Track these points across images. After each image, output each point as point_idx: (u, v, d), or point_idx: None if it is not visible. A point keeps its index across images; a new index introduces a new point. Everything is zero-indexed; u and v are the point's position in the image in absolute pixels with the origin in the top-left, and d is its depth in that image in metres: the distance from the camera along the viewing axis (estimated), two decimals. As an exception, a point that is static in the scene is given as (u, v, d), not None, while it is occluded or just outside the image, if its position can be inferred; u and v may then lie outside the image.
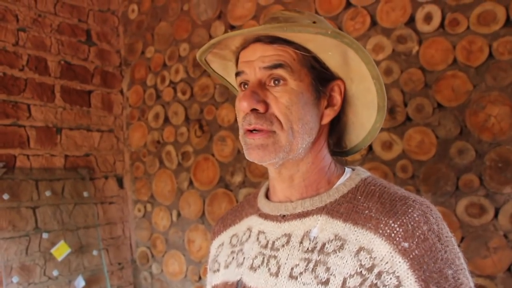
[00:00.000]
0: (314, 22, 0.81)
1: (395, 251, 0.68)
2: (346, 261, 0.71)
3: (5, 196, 2.30)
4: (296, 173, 0.83)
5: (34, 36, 2.62)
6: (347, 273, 0.71)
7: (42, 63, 2.64)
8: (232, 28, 2.49)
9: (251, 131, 0.79)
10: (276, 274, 0.80)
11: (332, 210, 0.79)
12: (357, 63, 0.79)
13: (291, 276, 0.77)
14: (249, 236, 0.91)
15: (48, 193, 2.48)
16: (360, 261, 0.70)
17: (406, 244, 0.67)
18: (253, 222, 0.92)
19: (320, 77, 0.81)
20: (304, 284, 0.74)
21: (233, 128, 2.44)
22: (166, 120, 2.80)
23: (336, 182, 0.83)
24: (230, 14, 2.50)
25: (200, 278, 2.56)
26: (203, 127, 2.59)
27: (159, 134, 2.84)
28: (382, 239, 0.69)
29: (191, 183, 2.65)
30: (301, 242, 0.79)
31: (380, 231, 0.70)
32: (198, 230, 2.58)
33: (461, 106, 1.73)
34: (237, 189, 2.41)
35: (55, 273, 2.44)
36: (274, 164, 0.81)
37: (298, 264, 0.77)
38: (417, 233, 0.68)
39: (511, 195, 1.61)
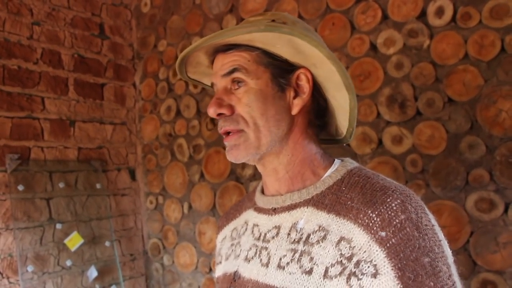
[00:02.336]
0: (273, 20, 0.83)
1: (373, 240, 0.69)
2: (328, 251, 0.74)
3: (20, 187, 2.34)
4: (279, 166, 0.86)
5: (48, 30, 2.65)
6: (329, 262, 0.73)
7: (56, 56, 2.67)
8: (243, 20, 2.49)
9: (227, 134, 0.85)
10: (267, 265, 0.83)
11: (317, 202, 0.81)
12: (309, 49, 0.80)
13: (279, 266, 0.80)
14: (246, 229, 0.95)
15: (61, 185, 2.52)
16: (341, 250, 0.72)
17: (383, 233, 0.69)
18: (249, 215, 0.97)
19: (280, 70, 0.84)
20: (290, 274, 0.78)
21: (244, 121, 2.45)
22: (178, 113, 2.83)
23: (323, 174, 0.85)
24: (242, 7, 2.50)
25: (210, 269, 2.59)
26: (214, 120, 2.60)
27: (171, 127, 2.87)
28: (361, 229, 0.71)
29: (202, 175, 2.67)
30: (288, 234, 0.82)
31: (359, 221, 0.72)
32: (209, 222, 2.61)
33: (472, 100, 1.72)
34: (248, 181, 2.42)
35: (68, 263, 2.48)
36: (252, 161, 0.86)
37: (286, 255, 0.80)
38: (394, 222, 0.69)
39: (521, 191, 1.61)
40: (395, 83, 1.90)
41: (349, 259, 0.71)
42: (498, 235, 1.63)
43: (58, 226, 2.47)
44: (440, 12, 1.79)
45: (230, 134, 0.84)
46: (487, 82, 1.69)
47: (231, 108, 0.83)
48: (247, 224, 0.96)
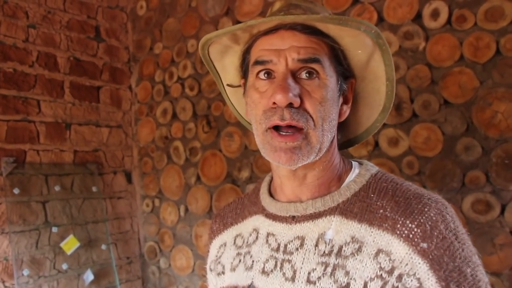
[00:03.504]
0: (330, 14, 0.79)
1: (414, 252, 0.66)
2: (366, 264, 0.69)
3: (16, 191, 2.33)
4: (311, 172, 0.79)
5: (44, 33, 2.64)
6: (368, 277, 0.69)
7: (51, 59, 2.66)
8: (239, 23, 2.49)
9: (277, 131, 0.73)
10: (292, 279, 0.76)
11: (345, 210, 0.76)
12: (377, 63, 0.77)
13: (309, 281, 0.74)
14: (257, 237, 0.86)
15: (57, 188, 2.51)
16: (380, 263, 0.68)
17: (425, 245, 0.66)
18: (259, 222, 0.87)
19: (344, 74, 0.78)
20: None
21: (240, 124, 2.45)
22: (174, 115, 2.82)
23: (345, 178, 0.80)
24: (237, 10, 2.50)
25: (207, 272, 2.58)
26: (210, 123, 2.60)
27: (167, 130, 2.86)
28: (400, 240, 0.68)
29: (198, 178, 2.67)
30: (316, 245, 0.76)
31: (398, 232, 0.68)
32: (205, 225, 2.60)
33: (468, 102, 1.72)
34: (244, 184, 2.42)
35: (64, 266, 2.47)
36: (303, 164, 0.76)
37: (316, 269, 0.74)
38: (435, 233, 0.66)
39: (517, 192, 1.61)
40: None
41: (390, 272, 0.67)
42: (494, 236, 1.63)
43: (54, 229, 2.45)
44: (435, 14, 1.80)
45: (287, 134, 0.73)
46: (482, 84, 1.69)
47: (300, 99, 0.72)
48: (258, 232, 0.86)
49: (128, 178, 3.03)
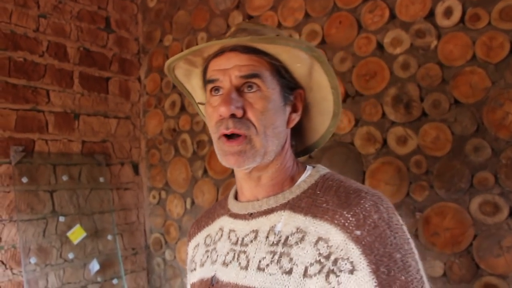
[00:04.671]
0: (277, 35, 0.87)
1: (349, 239, 0.74)
2: (307, 251, 0.78)
3: (24, 180, 2.35)
4: (265, 174, 0.89)
5: (54, 23, 2.65)
6: (308, 262, 0.77)
7: (61, 49, 2.67)
8: (250, 18, 2.48)
9: (227, 138, 0.83)
10: (246, 268, 0.85)
11: (294, 206, 0.85)
12: (319, 74, 0.87)
13: (259, 268, 0.83)
14: (221, 235, 0.97)
15: (65, 178, 2.53)
16: (319, 250, 0.76)
17: (358, 232, 0.74)
18: (224, 222, 0.99)
19: (288, 86, 0.88)
20: (270, 275, 0.80)
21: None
22: (183, 108, 2.82)
23: (298, 179, 0.90)
24: (248, 4, 2.49)
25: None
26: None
27: (175, 122, 2.87)
28: (337, 229, 0.76)
29: (205, 171, 2.67)
30: (267, 237, 0.85)
31: (336, 222, 0.76)
32: (211, 218, 2.60)
33: (479, 102, 1.70)
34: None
35: (70, 255, 2.49)
36: (251, 167, 0.86)
37: (265, 257, 0.83)
38: (368, 221, 0.74)
39: (526, 194, 1.60)
40: (401, 84, 1.89)
41: (327, 257, 0.75)
42: (502, 238, 1.62)
43: (61, 219, 2.47)
44: (448, 12, 1.78)
45: (234, 139, 0.83)
46: (494, 84, 1.67)
47: (243, 110, 0.83)
48: (222, 230, 0.98)
49: (135, 169, 3.04)
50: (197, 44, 2.74)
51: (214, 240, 0.99)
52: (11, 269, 2.27)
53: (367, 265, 0.71)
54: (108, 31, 2.94)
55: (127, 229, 2.90)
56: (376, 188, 1.83)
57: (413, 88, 1.86)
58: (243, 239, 0.90)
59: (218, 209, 1.06)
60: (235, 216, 0.95)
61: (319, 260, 0.76)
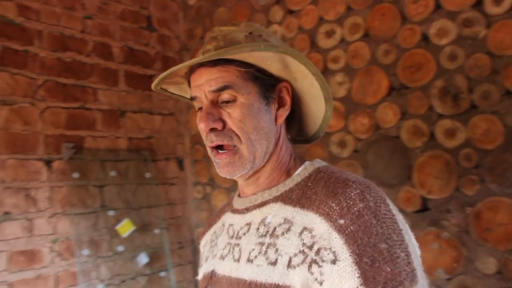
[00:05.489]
0: (250, 33, 0.87)
1: (332, 228, 0.72)
2: (292, 242, 0.77)
3: (75, 175, 2.45)
4: (262, 174, 0.91)
5: (99, 23, 2.73)
6: (292, 252, 0.76)
7: (106, 49, 2.75)
8: (291, 12, 2.48)
9: (217, 150, 0.86)
10: (238, 260, 0.88)
11: (285, 198, 0.86)
12: (296, 65, 0.86)
13: (248, 260, 0.84)
14: (222, 230, 1.01)
15: (113, 173, 2.61)
16: (303, 240, 0.76)
17: (342, 221, 0.72)
18: (226, 217, 1.03)
19: (266, 84, 0.87)
20: (258, 266, 0.81)
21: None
22: (224, 104, 2.85)
23: (293, 173, 0.90)
24: (289, -1, 2.49)
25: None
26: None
27: (217, 118, 2.89)
28: (321, 218, 0.75)
29: (247, 166, 2.69)
30: (257, 229, 0.87)
31: (320, 211, 0.76)
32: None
33: (533, 93, 1.65)
34: (294, 173, 2.42)
35: (120, 248, 2.58)
36: (245, 174, 0.88)
37: (254, 249, 0.84)
38: (352, 210, 0.72)
39: None
40: (448, 75, 1.85)
41: (310, 247, 0.74)
42: (558, 233, 1.57)
43: (111, 213, 2.56)
44: None
45: (223, 151, 0.86)
46: (550, 74, 1.61)
47: (222, 122, 0.85)
48: (224, 226, 1.02)
49: (180, 165, 3.10)
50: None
51: (217, 235, 1.04)
52: (66, 260, 2.37)
53: (350, 255, 0.69)
54: (150, 30, 3.01)
55: (173, 223, 2.98)
56: (424, 183, 1.82)
57: (461, 80, 1.82)
58: (238, 232, 0.93)
59: (225, 206, 1.10)
60: (235, 211, 0.98)
61: (303, 250, 0.75)
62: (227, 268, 0.90)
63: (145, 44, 2.96)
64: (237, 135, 0.84)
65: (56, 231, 2.36)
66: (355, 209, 0.72)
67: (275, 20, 2.56)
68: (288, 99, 0.91)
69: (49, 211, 2.35)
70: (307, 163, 0.92)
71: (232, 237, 0.94)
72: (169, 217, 2.95)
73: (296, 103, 0.95)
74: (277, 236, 0.81)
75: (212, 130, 0.85)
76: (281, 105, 0.91)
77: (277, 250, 0.79)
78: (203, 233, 1.15)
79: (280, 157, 0.92)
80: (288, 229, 0.79)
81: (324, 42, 2.31)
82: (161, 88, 0.99)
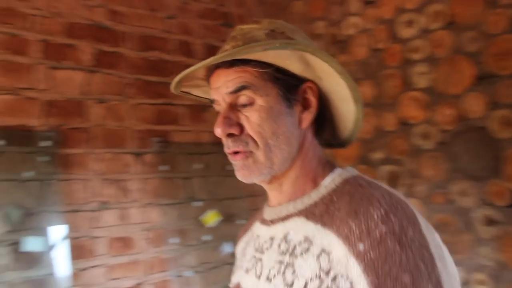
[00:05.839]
0: (272, 31, 0.81)
1: (350, 253, 0.65)
2: (309, 264, 0.71)
3: (164, 168, 2.58)
4: (286, 180, 0.84)
5: (180, 22, 2.85)
6: (309, 276, 0.70)
7: (187, 46, 2.87)
8: (369, 3, 2.45)
9: (234, 153, 0.81)
10: (259, 277, 0.83)
11: (309, 212, 0.79)
12: (318, 63, 0.78)
13: (267, 278, 0.80)
14: (251, 240, 0.96)
15: (198, 166, 2.73)
16: (320, 263, 0.70)
17: (361, 246, 0.64)
18: (255, 227, 0.97)
19: (288, 85, 0.81)
20: (275, 286, 0.76)
21: (374, 104, 2.43)
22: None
23: (321, 182, 0.83)
24: (368, -12, 2.46)
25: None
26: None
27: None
28: (340, 240, 0.68)
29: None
30: (279, 245, 0.81)
31: (340, 231, 0.69)
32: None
33: None
34: (378, 165, 2.41)
35: (206, 238, 2.69)
36: (264, 179, 0.82)
37: (274, 267, 0.79)
38: (373, 234, 0.64)
39: None
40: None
41: (327, 273, 0.68)
42: None
43: (196, 203, 2.67)
44: None
45: (238, 153, 0.80)
46: None
47: (240, 127, 0.79)
48: (253, 236, 0.97)
49: (261, 157, 3.16)
50: (315, 33, 2.78)
51: (247, 245, 0.99)
52: (157, 247, 2.51)
53: (368, 286, 0.62)
54: (228, 26, 3.09)
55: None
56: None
57: None
58: (262, 246, 0.87)
59: (257, 213, 1.04)
60: (263, 221, 0.92)
61: (319, 275, 0.69)
62: (249, 283, 0.86)
63: (223, 41, 3.03)
64: (254, 140, 0.79)
65: (148, 220, 2.51)
66: (377, 233, 0.64)
67: (352, 11, 2.54)
68: (313, 101, 0.83)
69: (140, 202, 2.50)
70: (336, 171, 0.83)
71: (257, 250, 0.89)
72: (251, 208, 3.03)
73: (325, 105, 0.87)
74: (296, 256, 0.75)
75: (229, 135, 0.80)
76: (305, 107, 0.83)
77: (294, 271, 0.74)
78: (239, 237, 1.09)
79: (305, 163, 0.84)
80: (307, 249, 0.74)
81: (404, 32, 2.27)
82: (183, 91, 0.95)
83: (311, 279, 0.70)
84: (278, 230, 0.84)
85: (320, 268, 0.69)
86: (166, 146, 2.65)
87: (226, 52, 0.74)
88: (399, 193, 0.73)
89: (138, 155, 2.54)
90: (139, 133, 2.57)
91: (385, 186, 0.75)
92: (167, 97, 2.71)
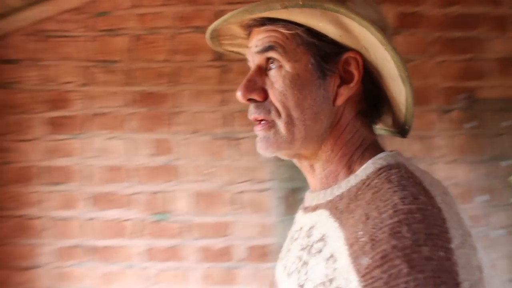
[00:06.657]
0: None
1: (352, 266, 0.56)
2: (319, 268, 0.64)
3: (470, 125, 2.56)
4: (316, 163, 0.76)
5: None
6: (316, 281, 0.63)
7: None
8: None
9: (259, 122, 0.74)
10: (284, 268, 0.78)
11: (333, 205, 0.70)
12: (358, 29, 0.65)
13: (288, 274, 0.74)
14: (294, 223, 0.90)
15: (507, 123, 2.58)
16: (327, 269, 0.61)
17: (364, 260, 0.54)
18: (298, 212, 0.90)
19: (324, 53, 0.70)
20: (290, 285, 0.72)
21: None
22: None
23: (357, 170, 0.71)
24: None
25: None
26: None
27: None
28: (346, 248, 0.59)
29: None
30: (303, 238, 0.74)
31: (349, 236, 0.60)
32: None
33: None
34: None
35: (513, 199, 2.56)
36: (285, 155, 0.75)
37: (294, 262, 0.73)
38: (379, 248, 0.53)
39: None
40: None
41: (331, 281, 0.60)
42: None
43: (505, 162, 2.56)
44: None
45: (262, 123, 0.73)
46: None
47: (264, 92, 0.72)
48: (294, 223, 0.91)
49: None
50: None
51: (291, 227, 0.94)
52: (463, 203, 2.54)
53: None
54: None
55: None
56: None
57: None
58: (294, 234, 0.81)
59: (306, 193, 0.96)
60: (302, 207, 0.85)
61: (324, 282, 0.61)
62: (279, 274, 0.82)
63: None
64: (276, 109, 0.71)
65: (454, 176, 2.55)
66: (384, 247, 0.53)
67: None
68: (355, 74, 0.71)
69: (446, 158, 2.55)
70: (377, 157, 0.70)
71: (291, 237, 0.83)
72: None
73: (376, 82, 0.74)
74: (312, 255, 0.68)
75: (251, 101, 0.73)
76: (345, 81, 0.71)
77: (307, 272, 0.67)
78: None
79: (338, 145, 0.73)
80: (320, 251, 0.66)
81: None
82: (234, 52, 0.89)
83: (317, 285, 0.63)
84: (307, 220, 0.77)
85: (326, 275, 0.62)
86: (473, 102, 2.60)
87: (242, 8, 0.68)
88: (439, 193, 0.60)
89: (444, 112, 2.58)
90: (444, 90, 2.60)
91: (424, 183, 0.61)
92: (472, 52, 2.64)
